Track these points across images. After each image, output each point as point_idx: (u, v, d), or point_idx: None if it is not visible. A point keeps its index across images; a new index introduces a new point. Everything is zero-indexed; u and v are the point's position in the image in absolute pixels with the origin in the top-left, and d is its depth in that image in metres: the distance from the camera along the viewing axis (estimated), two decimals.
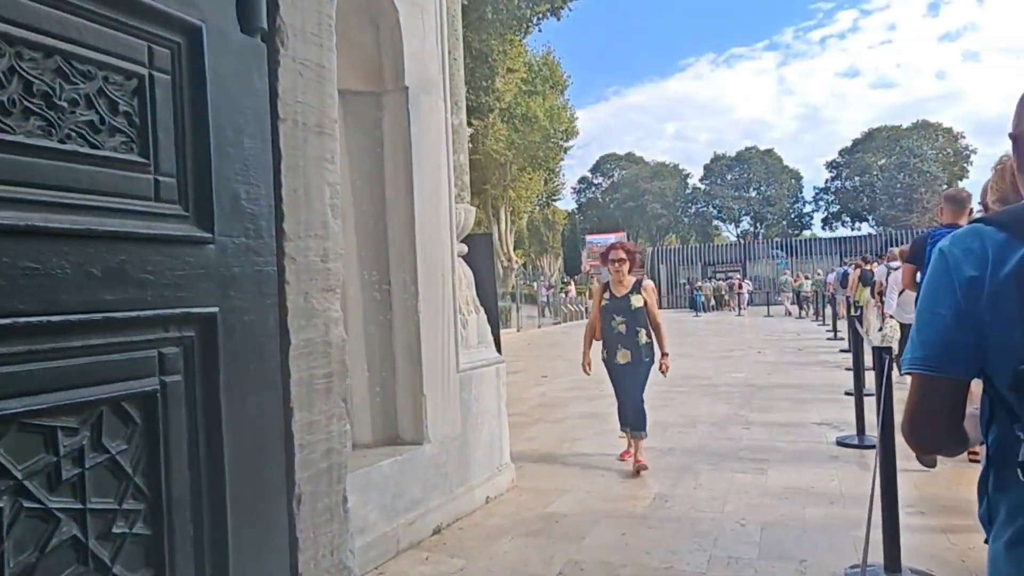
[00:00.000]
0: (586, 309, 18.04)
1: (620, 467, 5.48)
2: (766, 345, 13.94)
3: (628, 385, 5.58)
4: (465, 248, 5.47)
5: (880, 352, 3.72)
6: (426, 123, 4.67)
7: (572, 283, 36.94)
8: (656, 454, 5.74)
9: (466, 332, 5.18)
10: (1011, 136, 1.19)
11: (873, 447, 3.65)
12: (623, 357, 5.51)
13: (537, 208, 62.47)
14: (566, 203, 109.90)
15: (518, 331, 20.17)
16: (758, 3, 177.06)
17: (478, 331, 5.34)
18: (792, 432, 6.42)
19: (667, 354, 5.68)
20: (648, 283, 5.88)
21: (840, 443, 5.83)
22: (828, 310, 21.25)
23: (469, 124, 31.47)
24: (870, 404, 5.32)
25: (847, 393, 7.20)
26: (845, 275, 19.69)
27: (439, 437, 4.52)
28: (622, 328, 5.50)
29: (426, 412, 4.44)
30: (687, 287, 37.53)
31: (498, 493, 4.85)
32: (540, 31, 29.67)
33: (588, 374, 5.98)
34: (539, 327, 21.83)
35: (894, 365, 3.74)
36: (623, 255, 5.63)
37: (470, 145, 36.58)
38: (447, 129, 5.03)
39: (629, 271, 5.68)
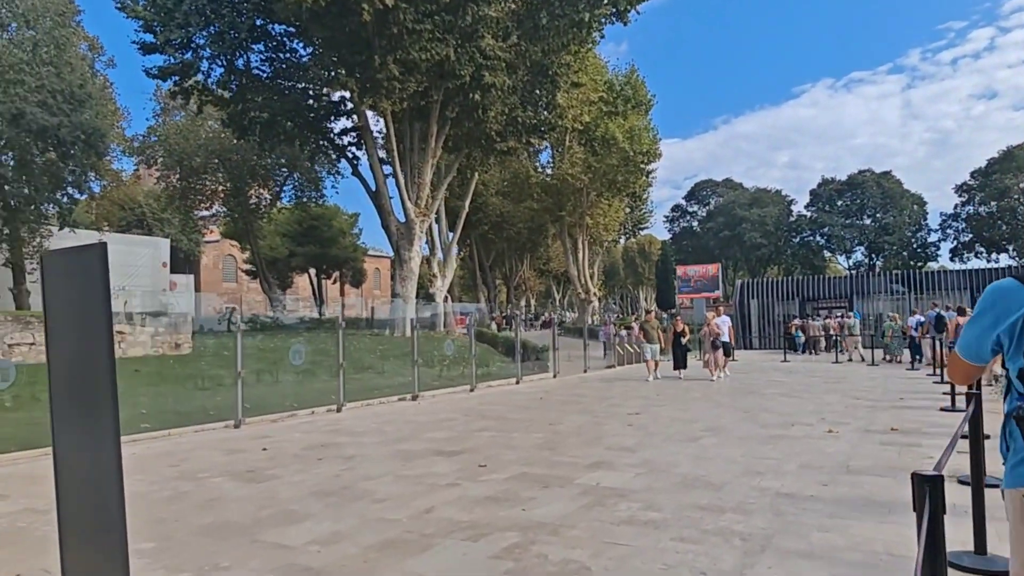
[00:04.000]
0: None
1: None
2: (851, 412, 10.29)
3: None
4: None
5: None
6: None
7: (636, 321, 33.37)
8: None
9: None
10: None
11: None
12: None
13: (623, 237, 58.98)
14: (659, 232, 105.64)
15: (554, 377, 17.15)
16: (880, 25, 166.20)
17: None
18: None
19: None
20: None
21: None
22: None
23: (527, 144, 29.13)
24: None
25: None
26: (939, 319, 16.31)
27: None
28: None
29: None
30: (786, 324, 32.95)
31: None
32: (602, 36, 26.76)
33: None
34: (585, 371, 18.69)
35: None
36: None
37: (543, 167, 34.52)
38: None
39: None
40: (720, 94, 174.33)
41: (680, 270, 58.23)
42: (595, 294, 47.11)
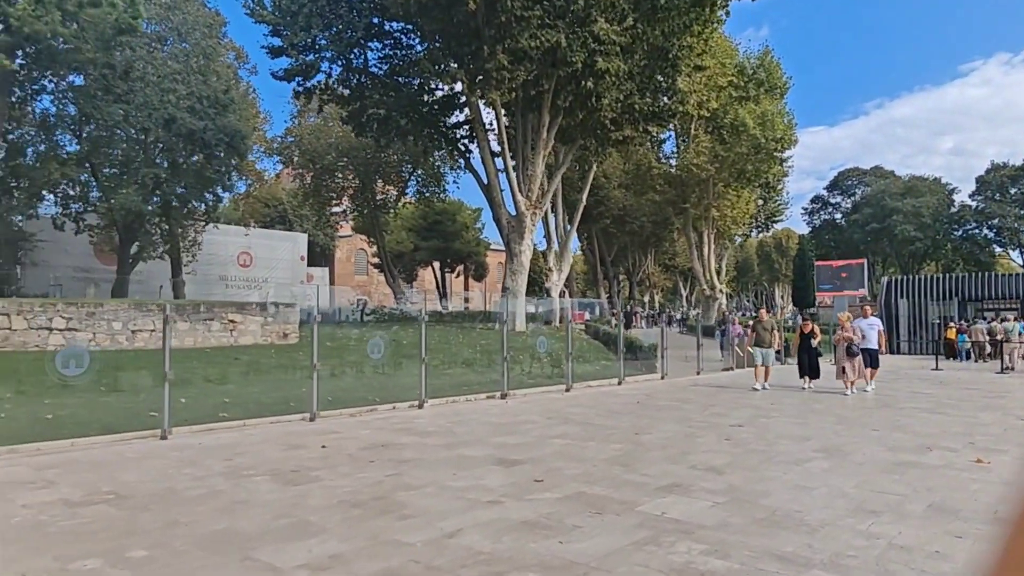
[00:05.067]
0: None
1: None
2: (1010, 437, 8.52)
3: None
4: None
5: None
6: None
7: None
8: None
9: None
10: None
11: None
12: None
13: (755, 231, 55.37)
14: (798, 225, 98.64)
15: (662, 378, 15.96)
16: None
17: None
18: None
19: None
20: None
21: None
22: None
23: (645, 132, 27.73)
24: None
25: None
26: None
27: None
28: None
29: None
30: (942, 328, 29.28)
31: None
32: (727, 15, 24.84)
33: None
34: (698, 373, 17.29)
35: None
36: None
37: (666, 157, 33.03)
38: None
39: None
40: (873, 76, 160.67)
41: (819, 266, 53.81)
42: (721, 290, 44.50)
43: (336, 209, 50.78)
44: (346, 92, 25.27)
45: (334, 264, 68.45)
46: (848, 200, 64.42)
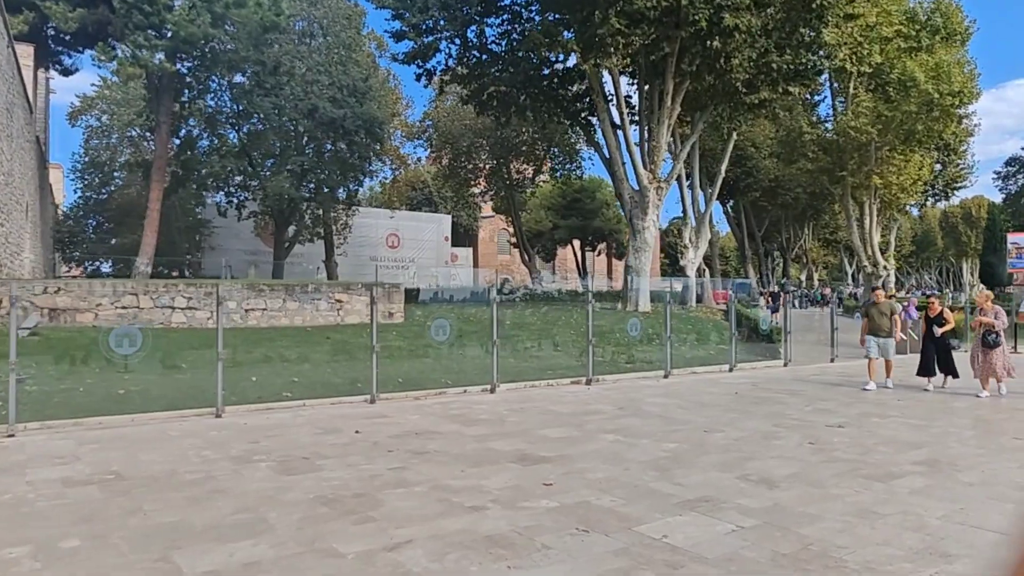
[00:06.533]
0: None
1: None
2: None
3: None
4: None
5: None
6: None
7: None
8: None
9: None
10: None
11: None
12: None
13: (931, 200, 48.94)
14: (991, 192, 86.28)
15: (785, 365, 14.30)
16: None
17: None
18: None
19: None
20: None
21: None
22: None
23: (786, 93, 25.08)
24: None
25: None
26: None
27: None
28: None
29: None
30: None
31: None
32: None
33: None
34: (832, 360, 15.34)
35: None
36: None
37: (821, 121, 30.14)
38: None
39: None
40: None
41: (1013, 237, 46.64)
42: (885, 267, 39.90)
43: (474, 190, 51.60)
44: (464, 71, 25.16)
45: (478, 244, 69.99)
46: None
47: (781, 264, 63.52)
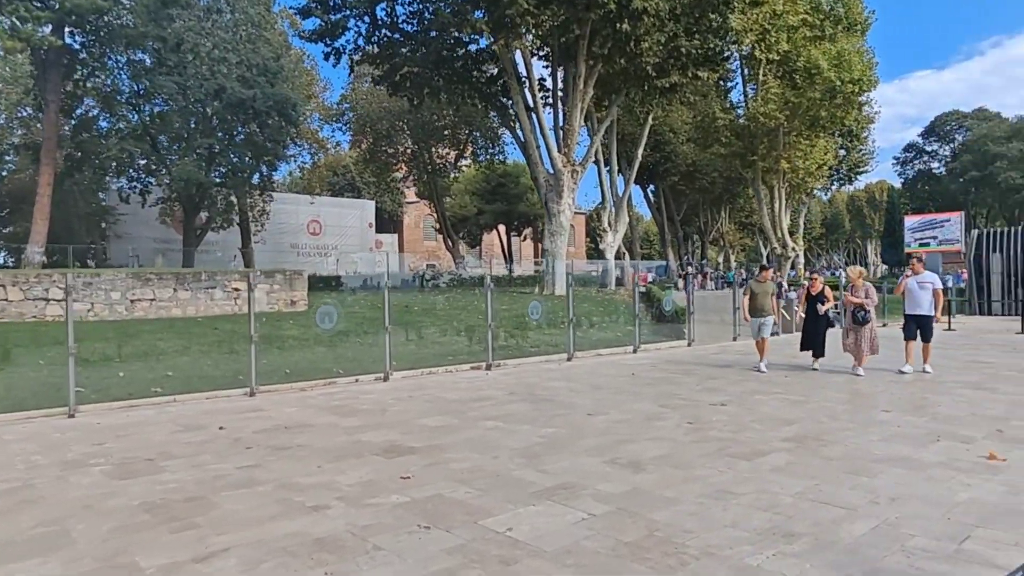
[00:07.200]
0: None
1: None
2: None
3: None
4: None
5: None
6: None
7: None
8: None
9: None
10: None
11: None
12: None
13: (836, 184, 51.14)
14: (894, 177, 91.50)
15: (688, 345, 14.54)
16: None
17: None
18: None
19: None
20: None
21: None
22: None
23: (695, 78, 25.51)
24: None
25: None
26: None
27: None
28: None
29: None
30: None
31: None
32: None
33: None
34: (734, 339, 15.73)
35: None
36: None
37: (733, 106, 30.69)
38: None
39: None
40: (989, 10, 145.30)
41: (910, 220, 49.39)
42: (794, 248, 41.51)
43: (396, 175, 50.58)
44: (375, 51, 24.39)
45: (403, 230, 68.86)
46: (947, 147, 58.53)
47: (700, 247, 65.25)
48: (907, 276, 10.69)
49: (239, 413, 7.33)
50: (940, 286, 10.40)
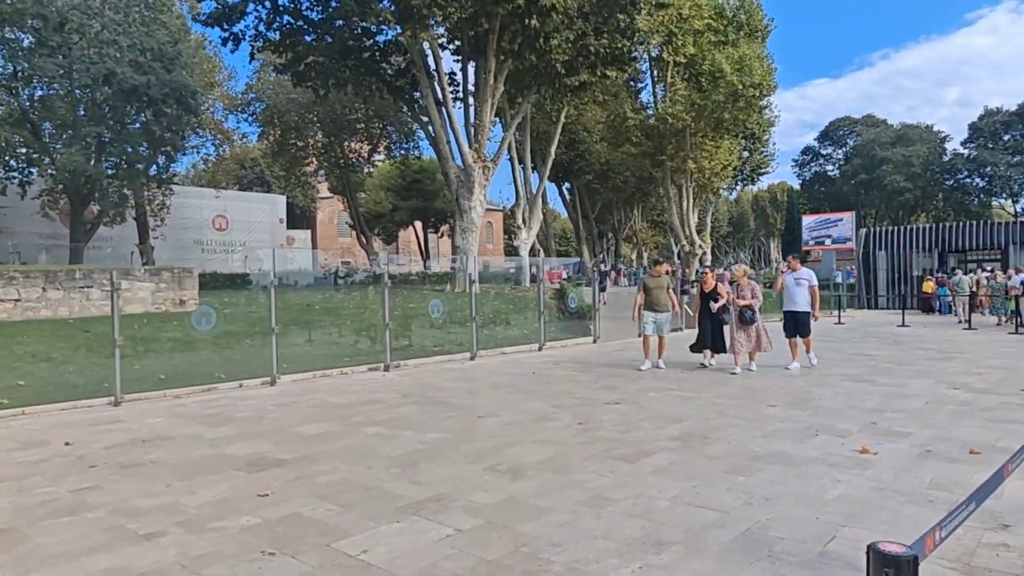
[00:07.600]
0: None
1: None
2: (926, 414, 7.18)
3: None
4: None
5: None
6: None
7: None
8: None
9: None
10: None
11: None
12: None
13: (740, 184, 53.23)
14: (793, 179, 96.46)
15: (594, 342, 14.59)
16: None
17: None
18: None
19: None
20: None
21: None
22: None
23: (604, 77, 25.80)
24: None
25: None
26: None
27: None
28: None
29: None
30: (924, 281, 27.78)
31: None
32: None
33: None
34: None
35: None
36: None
37: (643, 107, 31.00)
38: None
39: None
40: (879, 25, 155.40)
41: (807, 219, 52.00)
42: (701, 246, 42.89)
43: (307, 169, 48.88)
44: (276, 38, 23.29)
45: (316, 226, 66.82)
46: (840, 151, 62.03)
47: (614, 244, 66.52)
48: (783, 272, 10.95)
49: (94, 426, 6.65)
50: (816, 283, 10.57)
